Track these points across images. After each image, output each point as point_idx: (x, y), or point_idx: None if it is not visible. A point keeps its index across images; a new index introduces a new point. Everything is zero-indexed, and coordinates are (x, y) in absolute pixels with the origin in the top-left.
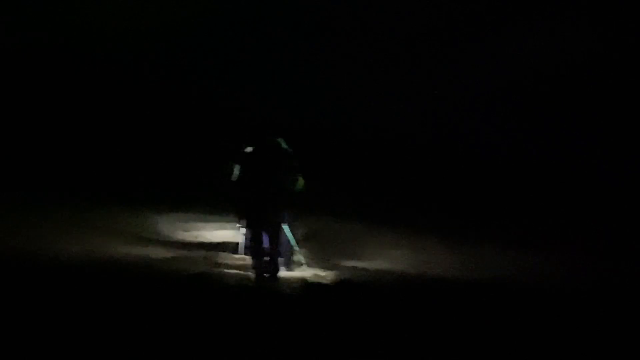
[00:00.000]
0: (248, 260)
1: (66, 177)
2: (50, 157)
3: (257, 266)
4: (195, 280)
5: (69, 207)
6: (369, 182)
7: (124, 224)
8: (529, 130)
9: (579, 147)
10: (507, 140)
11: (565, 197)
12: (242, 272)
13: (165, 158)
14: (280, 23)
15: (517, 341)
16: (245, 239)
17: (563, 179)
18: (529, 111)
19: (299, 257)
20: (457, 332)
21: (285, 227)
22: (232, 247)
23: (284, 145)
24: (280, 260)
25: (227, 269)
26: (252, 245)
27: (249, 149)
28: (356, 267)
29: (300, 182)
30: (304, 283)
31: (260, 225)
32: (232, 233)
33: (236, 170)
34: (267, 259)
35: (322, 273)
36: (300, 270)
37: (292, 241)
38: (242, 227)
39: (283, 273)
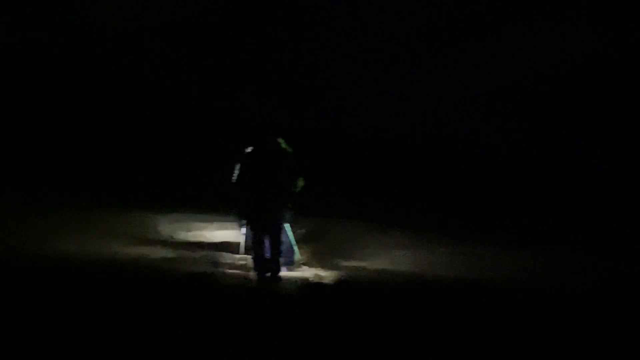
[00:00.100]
0: (249, 260)
1: (67, 178)
2: (50, 157)
3: (258, 266)
4: (196, 280)
5: (69, 207)
6: (369, 182)
7: (124, 224)
8: (529, 130)
9: (579, 147)
10: (507, 140)
11: (565, 197)
12: (242, 272)
13: (166, 158)
14: (280, 23)
15: (517, 341)
16: (246, 238)
17: (563, 179)
18: (529, 111)
19: (299, 257)
20: (458, 332)
21: (286, 227)
22: (233, 247)
23: (283, 145)
24: (281, 260)
25: (228, 269)
26: (253, 245)
27: (249, 149)
28: (357, 267)
29: (300, 182)
30: (304, 283)
31: (261, 225)
32: (233, 233)
33: (237, 170)
34: (268, 258)
35: (323, 273)
36: (301, 270)
37: (293, 241)
38: (243, 227)
39: (284, 273)
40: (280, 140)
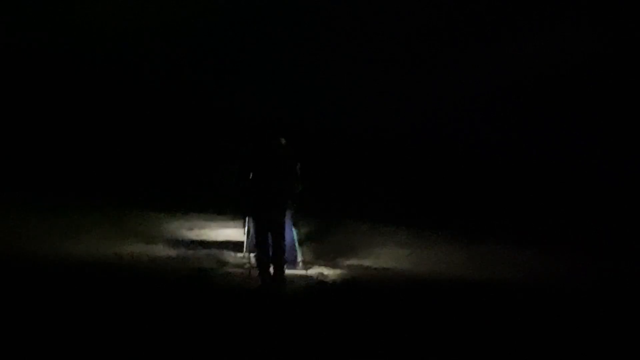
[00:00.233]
0: (252, 259)
1: (67, 178)
2: (53, 158)
3: (261, 265)
4: (199, 279)
5: (73, 207)
6: (370, 182)
7: (128, 224)
8: (529, 131)
9: (579, 147)
10: (507, 140)
11: (565, 197)
12: (245, 271)
13: (166, 158)
14: (280, 23)
15: (517, 341)
16: (250, 237)
17: (563, 179)
18: (529, 111)
19: (303, 256)
20: (459, 331)
21: (290, 226)
22: (236, 246)
23: (285, 145)
24: (284, 259)
25: (232, 268)
26: (256, 244)
27: (251, 150)
28: (360, 265)
29: (300, 186)
30: (307, 282)
31: (265, 224)
32: (236, 232)
33: (241, 171)
34: (271, 257)
35: (326, 272)
36: (304, 269)
37: (297, 240)
38: (247, 226)
39: (287, 272)
40: (282, 141)
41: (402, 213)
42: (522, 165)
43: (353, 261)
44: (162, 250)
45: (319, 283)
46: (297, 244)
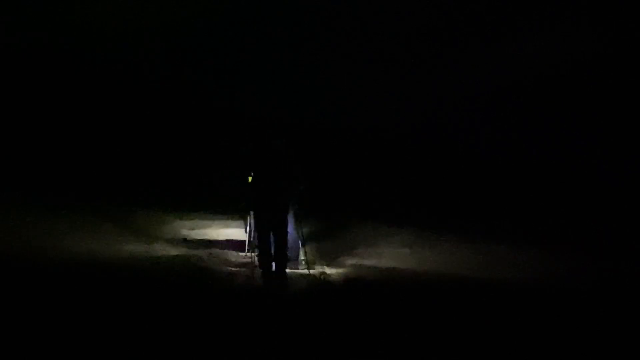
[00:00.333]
0: (255, 258)
1: (68, 178)
2: (53, 158)
3: (263, 264)
4: (202, 278)
5: (74, 207)
6: (370, 182)
7: (129, 223)
8: (529, 131)
9: (579, 147)
10: (507, 140)
11: (565, 197)
12: (248, 269)
13: (166, 158)
14: (280, 23)
15: (517, 341)
16: (252, 237)
17: (563, 179)
18: (529, 111)
19: (306, 255)
20: (462, 331)
21: (293, 225)
22: (238, 245)
23: (285, 145)
24: (287, 258)
25: (234, 267)
26: (259, 243)
27: (252, 150)
28: (363, 265)
29: (301, 185)
30: (310, 280)
31: (266, 223)
32: (238, 231)
33: (244, 171)
34: (273, 256)
35: (328, 271)
36: (307, 268)
37: (299, 239)
38: (249, 225)
39: (289, 270)
40: (283, 141)
41: (403, 213)
42: (522, 165)
43: (355, 260)
44: (163, 250)
45: (322, 282)
46: (299, 243)
